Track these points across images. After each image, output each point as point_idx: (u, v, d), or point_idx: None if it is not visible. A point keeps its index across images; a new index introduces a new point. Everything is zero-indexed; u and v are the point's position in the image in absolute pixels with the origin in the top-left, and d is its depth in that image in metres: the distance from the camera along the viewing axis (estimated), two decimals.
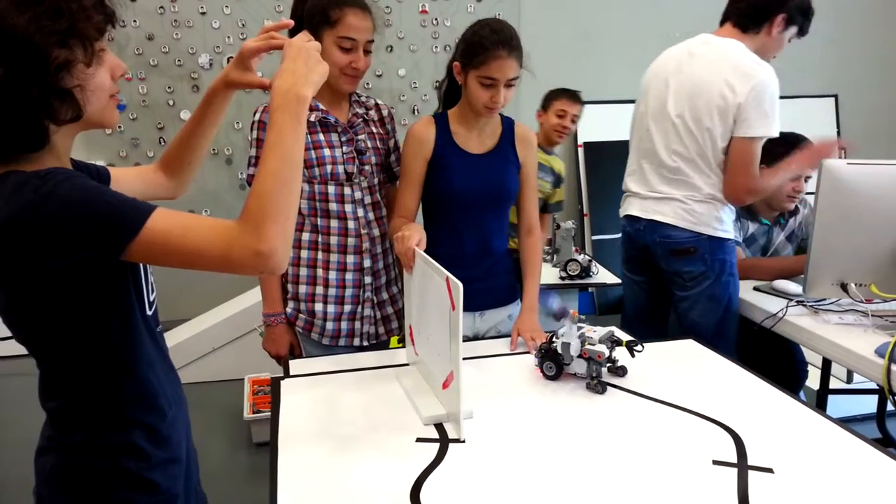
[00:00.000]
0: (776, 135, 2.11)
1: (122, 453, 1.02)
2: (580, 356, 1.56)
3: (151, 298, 1.07)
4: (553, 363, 1.60)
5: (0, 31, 0.84)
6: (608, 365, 1.60)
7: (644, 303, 2.44)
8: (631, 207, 2.34)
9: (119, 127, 4.12)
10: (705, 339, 2.11)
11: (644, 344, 1.66)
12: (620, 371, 1.63)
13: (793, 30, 2.19)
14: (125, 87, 4.09)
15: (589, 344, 1.55)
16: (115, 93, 0.99)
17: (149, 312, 1.06)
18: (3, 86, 0.85)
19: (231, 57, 1.23)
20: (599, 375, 1.56)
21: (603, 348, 1.54)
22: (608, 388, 1.56)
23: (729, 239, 2.20)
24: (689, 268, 2.19)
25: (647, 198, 2.28)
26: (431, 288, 1.42)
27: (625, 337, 1.76)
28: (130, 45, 4.08)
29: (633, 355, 1.64)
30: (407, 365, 1.67)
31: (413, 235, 1.54)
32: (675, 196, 2.19)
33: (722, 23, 2.24)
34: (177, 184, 1.29)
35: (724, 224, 2.18)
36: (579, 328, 1.59)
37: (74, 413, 1.01)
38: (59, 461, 1.02)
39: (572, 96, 2.99)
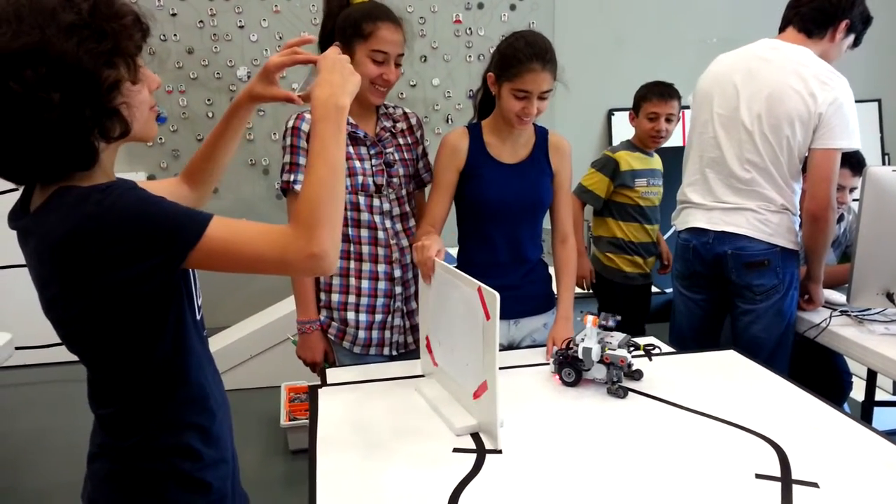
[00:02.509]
0: (858, 146, 2.03)
1: (177, 455, 1.05)
2: (601, 361, 1.57)
3: (199, 303, 1.10)
4: (572, 369, 1.60)
5: (52, 58, 0.86)
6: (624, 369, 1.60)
7: (700, 322, 2.33)
8: (693, 219, 2.23)
9: (160, 139, 4.21)
10: (765, 353, 2.05)
11: (659, 347, 1.67)
12: (637, 374, 1.63)
13: (850, 38, 2.11)
14: (166, 99, 4.18)
15: (609, 349, 1.56)
16: (152, 105, 1.03)
17: (198, 317, 1.09)
18: (60, 110, 0.87)
19: None
20: (620, 380, 1.57)
21: (624, 353, 1.56)
22: (629, 392, 1.56)
23: (798, 251, 2.12)
24: (762, 281, 2.09)
25: (714, 208, 2.17)
26: (455, 298, 1.42)
27: (641, 341, 1.75)
28: (171, 58, 4.17)
29: (650, 359, 1.65)
30: (422, 376, 1.67)
31: (432, 245, 1.55)
32: (749, 206, 2.09)
33: (782, 28, 2.16)
34: (199, 195, 1.32)
35: (796, 236, 2.10)
36: (599, 334, 1.59)
37: (129, 419, 1.03)
38: (113, 466, 1.04)
39: (662, 94, 2.64)
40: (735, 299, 2.18)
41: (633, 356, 1.59)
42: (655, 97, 2.65)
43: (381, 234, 1.85)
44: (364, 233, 1.84)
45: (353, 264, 1.85)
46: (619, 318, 1.63)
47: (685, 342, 2.33)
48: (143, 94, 0.99)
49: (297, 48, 1.22)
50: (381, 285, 1.87)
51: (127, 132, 0.95)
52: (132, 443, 1.03)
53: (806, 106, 1.99)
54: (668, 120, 2.65)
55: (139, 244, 0.90)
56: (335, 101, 1.05)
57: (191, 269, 1.05)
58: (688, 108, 2.35)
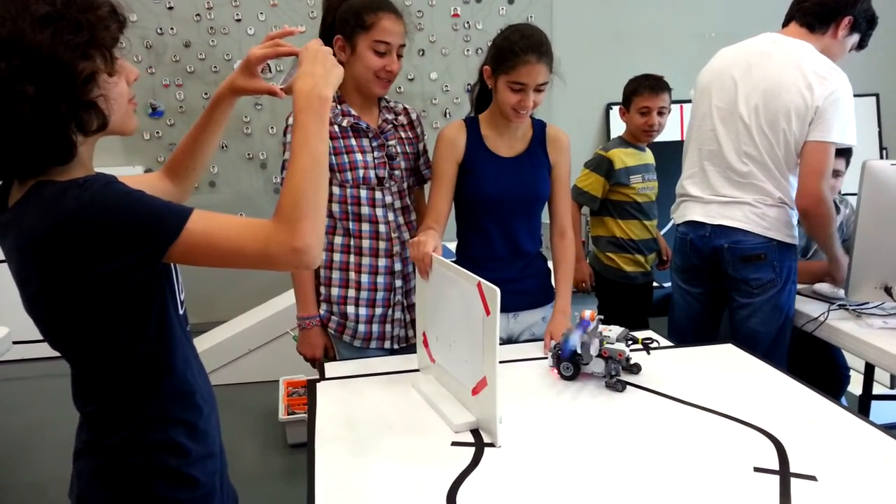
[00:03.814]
0: (854, 143, 2.02)
1: (164, 450, 1.04)
2: (599, 355, 1.57)
3: (182, 298, 1.09)
4: (570, 363, 1.60)
5: (26, 50, 0.85)
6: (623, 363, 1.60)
7: (698, 315, 2.33)
8: (691, 212, 2.22)
9: (157, 132, 4.20)
10: (763, 347, 2.04)
11: (657, 341, 1.68)
12: (635, 368, 1.64)
13: (855, 37, 2.10)
14: (163, 93, 4.17)
15: (607, 343, 1.57)
16: (131, 98, 1.02)
17: (180, 312, 1.08)
18: (34, 103, 0.86)
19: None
20: (618, 374, 1.57)
21: (623, 347, 1.56)
22: (628, 386, 1.57)
23: (795, 245, 2.11)
24: (758, 275, 2.08)
25: (711, 202, 2.16)
26: (453, 293, 1.42)
27: (639, 334, 1.75)
28: (168, 52, 4.16)
29: (648, 352, 1.66)
30: (417, 371, 1.67)
31: (429, 241, 1.55)
32: (746, 200, 2.08)
33: (785, 23, 2.15)
34: (182, 189, 1.30)
35: (793, 230, 2.09)
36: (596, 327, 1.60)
37: (115, 415, 1.02)
38: (100, 462, 1.04)
39: (653, 87, 2.61)
40: (732, 293, 2.17)
41: (631, 350, 1.60)
42: (646, 91, 2.61)
43: (382, 228, 1.84)
44: (364, 227, 1.84)
45: (352, 258, 1.85)
46: (601, 317, 1.63)
47: (683, 336, 2.33)
48: (121, 86, 0.98)
49: (280, 40, 1.21)
50: (381, 279, 1.86)
51: (105, 125, 0.94)
52: (118, 439, 1.02)
53: (803, 99, 1.98)
54: (660, 113, 2.61)
55: (119, 239, 0.89)
56: (318, 92, 1.04)
57: (173, 265, 1.04)
58: (687, 101, 2.35)
